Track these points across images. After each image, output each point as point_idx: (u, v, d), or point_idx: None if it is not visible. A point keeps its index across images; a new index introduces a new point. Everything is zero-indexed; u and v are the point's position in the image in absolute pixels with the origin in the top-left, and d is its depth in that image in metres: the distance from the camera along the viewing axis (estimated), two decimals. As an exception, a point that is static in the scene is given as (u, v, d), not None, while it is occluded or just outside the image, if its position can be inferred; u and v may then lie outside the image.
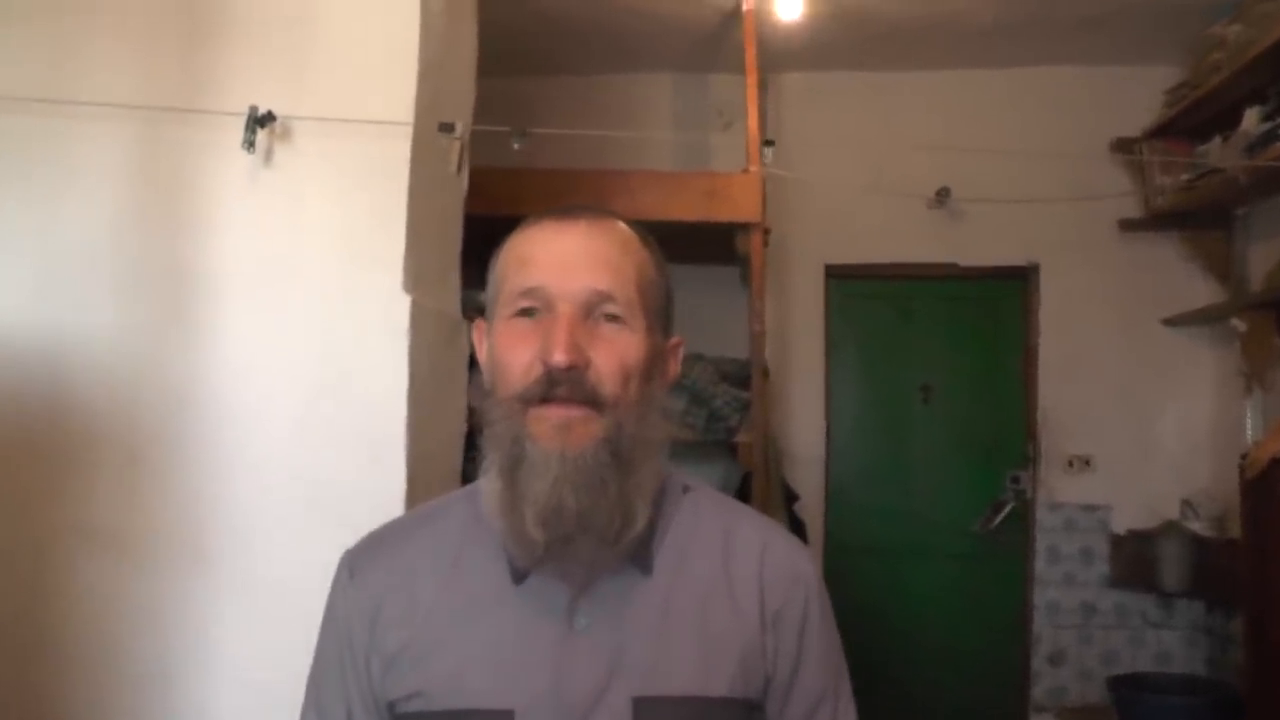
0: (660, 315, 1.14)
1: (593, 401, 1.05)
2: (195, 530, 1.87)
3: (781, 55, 4.12)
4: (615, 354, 1.06)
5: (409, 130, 1.90)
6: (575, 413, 1.04)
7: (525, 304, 1.07)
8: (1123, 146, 4.14)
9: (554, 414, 1.04)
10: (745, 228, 3.27)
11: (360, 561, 1.18)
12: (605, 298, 1.07)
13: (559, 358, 1.03)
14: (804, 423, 4.39)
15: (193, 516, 1.87)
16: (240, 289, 1.89)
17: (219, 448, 1.87)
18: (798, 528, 3.70)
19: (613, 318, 1.07)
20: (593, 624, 1.08)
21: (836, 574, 4.01)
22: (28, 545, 1.87)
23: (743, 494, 3.10)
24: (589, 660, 1.07)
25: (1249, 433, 3.72)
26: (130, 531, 1.87)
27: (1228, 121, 3.56)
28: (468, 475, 1.28)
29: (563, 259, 1.08)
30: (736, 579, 1.14)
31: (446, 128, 1.97)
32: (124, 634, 1.86)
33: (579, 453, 1.03)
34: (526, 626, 1.09)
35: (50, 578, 1.86)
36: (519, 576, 1.10)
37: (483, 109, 2.29)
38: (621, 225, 1.14)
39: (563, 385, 1.04)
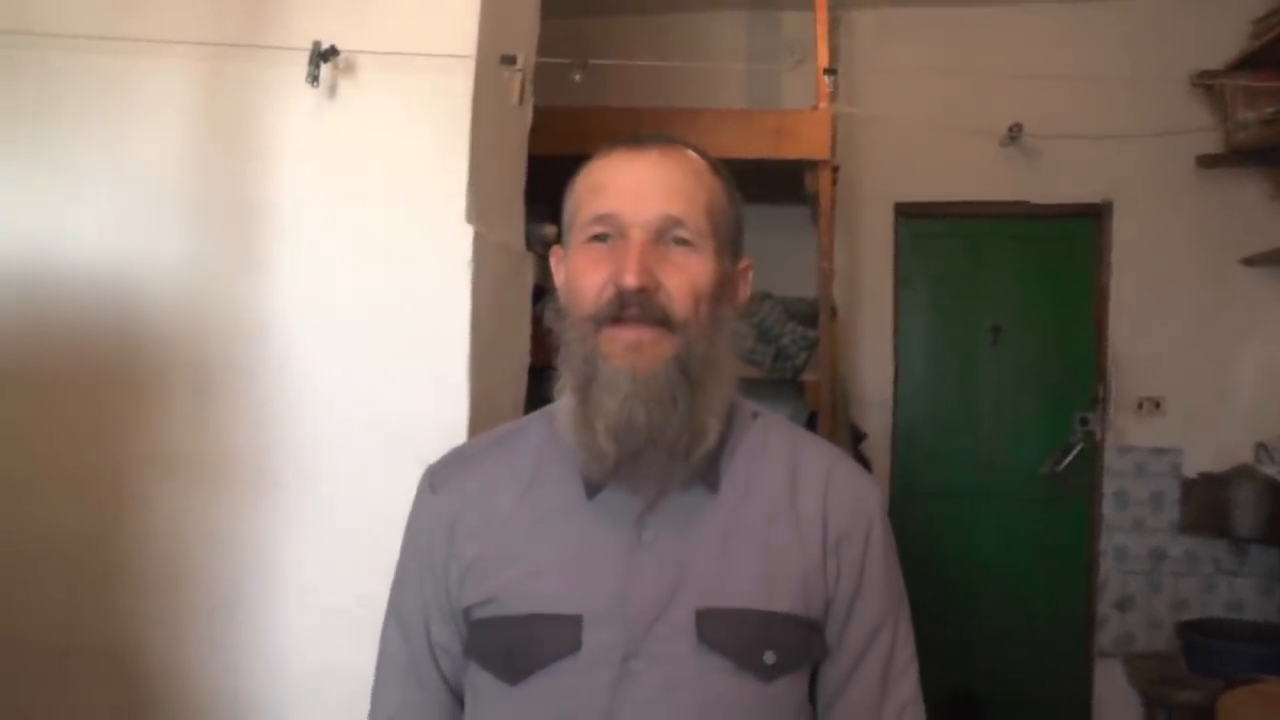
0: (730, 241, 1.18)
1: (664, 322, 1.09)
2: (265, 457, 1.91)
3: (854, -9, 4.04)
4: (686, 277, 1.11)
5: (471, 63, 1.90)
6: (646, 333, 1.09)
7: (598, 230, 1.12)
8: (1204, 79, 4.01)
9: (625, 334, 1.08)
10: (814, 165, 3.24)
11: (441, 476, 1.25)
12: (676, 222, 1.11)
13: (630, 280, 1.07)
14: (872, 363, 4.38)
15: (262, 444, 1.90)
16: (306, 221, 1.91)
17: (287, 377, 1.90)
18: (864, 467, 3.69)
19: (683, 242, 1.11)
20: (660, 537, 1.13)
21: (904, 517, 4.00)
22: (105, 472, 1.93)
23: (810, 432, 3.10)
24: (655, 571, 1.12)
25: (1330, 376, 3.62)
26: (202, 458, 1.91)
27: (1317, 53, 3.45)
28: (539, 402, 1.34)
29: (635, 186, 1.12)
30: (801, 501, 1.17)
31: (508, 60, 1.96)
32: (196, 557, 1.91)
33: (650, 371, 1.08)
34: (596, 537, 1.14)
35: (126, 503, 1.92)
36: (591, 491, 1.14)
37: (551, 48, 2.28)
38: (692, 154, 1.18)
39: (634, 306, 1.08)
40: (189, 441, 1.92)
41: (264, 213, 1.91)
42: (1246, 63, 3.86)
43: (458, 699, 1.22)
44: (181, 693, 1.90)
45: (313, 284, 1.90)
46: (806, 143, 3.21)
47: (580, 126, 2.86)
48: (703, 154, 1.19)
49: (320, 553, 1.89)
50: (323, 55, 1.84)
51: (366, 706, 1.28)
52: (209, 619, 1.90)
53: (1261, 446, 4.01)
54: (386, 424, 1.88)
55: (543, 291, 2.26)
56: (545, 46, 2.29)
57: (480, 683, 1.16)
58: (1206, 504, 4.10)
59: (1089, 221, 4.32)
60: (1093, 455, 4.28)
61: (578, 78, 2.12)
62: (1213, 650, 3.72)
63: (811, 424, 3.24)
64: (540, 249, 2.44)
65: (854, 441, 3.89)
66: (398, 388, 1.89)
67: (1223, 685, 3.46)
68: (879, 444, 4.28)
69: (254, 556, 1.91)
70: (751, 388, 1.26)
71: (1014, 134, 4.12)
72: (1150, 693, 3.86)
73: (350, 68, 1.89)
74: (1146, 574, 4.21)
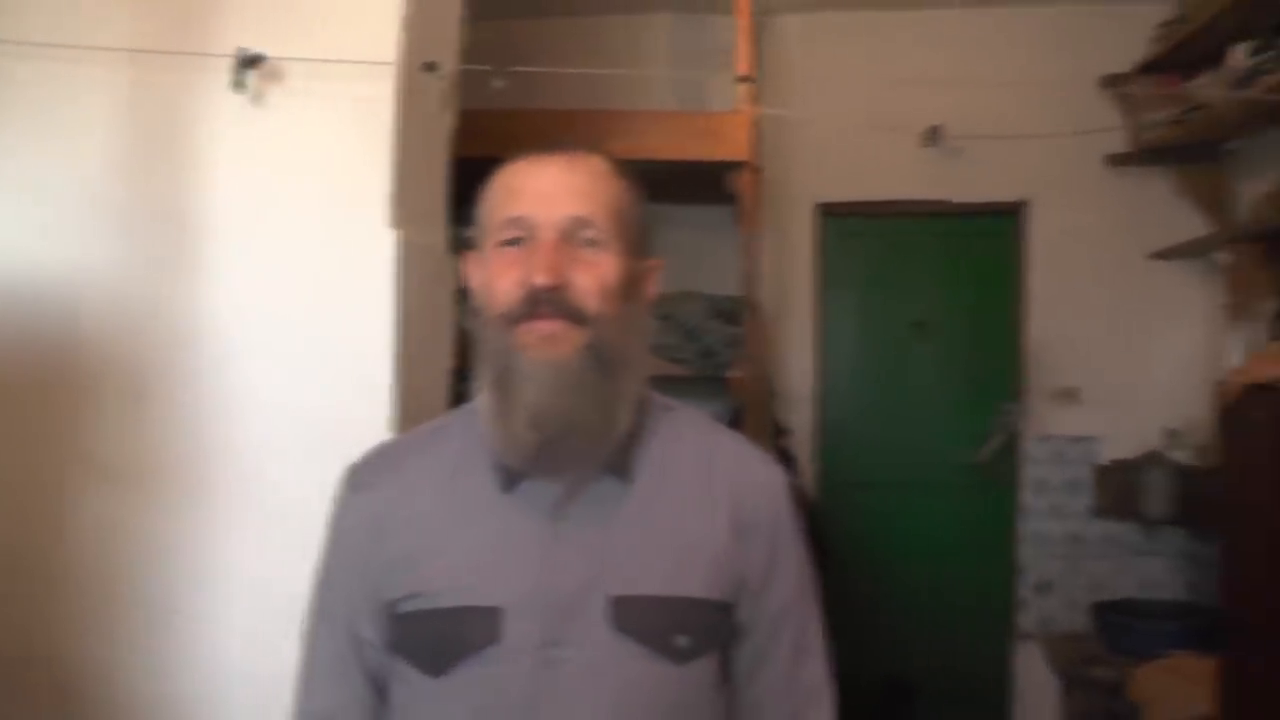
0: (636, 240, 1.23)
1: (575, 317, 1.14)
2: (201, 461, 1.94)
3: (777, -4, 4.10)
4: (594, 274, 1.16)
5: (394, 70, 1.95)
6: (559, 325, 1.14)
7: (511, 233, 1.17)
8: (1112, 82, 4.16)
9: (540, 326, 1.14)
10: (737, 166, 3.30)
11: (363, 474, 1.29)
12: (583, 223, 1.17)
13: (541, 279, 1.13)
14: (797, 360, 4.47)
15: (198, 448, 1.94)
16: (237, 227, 1.94)
17: (219, 382, 1.93)
18: (787, 462, 3.78)
19: (591, 242, 1.17)
20: (576, 527, 1.18)
21: (830, 508, 4.10)
22: (40, 480, 1.95)
23: (734, 429, 3.18)
24: (572, 562, 1.16)
25: (1234, 363, 3.76)
26: (139, 465, 1.94)
27: (1217, 56, 3.57)
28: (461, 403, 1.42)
29: (544, 190, 1.18)
30: (712, 490, 1.23)
31: (429, 67, 2.02)
32: (132, 564, 1.93)
33: (565, 359, 1.14)
34: (514, 531, 1.18)
35: (62, 511, 1.94)
36: (509, 484, 1.19)
37: (479, 52, 2.30)
38: (597, 159, 1.24)
39: (546, 304, 1.13)
40: (125, 448, 1.94)
41: (195, 218, 1.95)
42: (1151, 66, 4.01)
43: (383, 693, 1.25)
44: (121, 700, 1.92)
45: (245, 289, 1.94)
46: (729, 144, 3.27)
47: (512, 129, 2.90)
48: (607, 158, 1.25)
49: (258, 555, 1.92)
50: (248, 62, 1.88)
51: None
52: (147, 625, 1.93)
53: (1172, 432, 4.16)
54: (319, 426, 1.92)
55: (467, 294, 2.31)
56: (475, 49, 2.32)
57: (405, 676, 1.20)
58: (1120, 489, 4.23)
59: (1007, 219, 4.44)
60: (1014, 444, 4.41)
61: (498, 85, 2.17)
62: (1126, 629, 3.85)
63: (737, 419, 3.32)
64: (466, 250, 2.50)
65: (776, 436, 3.98)
66: (328, 390, 1.93)
67: (1136, 662, 3.61)
68: (804, 438, 4.37)
69: (192, 561, 1.93)
70: (678, 385, 1.32)
71: (934, 135, 4.22)
72: (1068, 672, 3.99)
73: (277, 74, 1.93)
74: (1064, 557, 4.35)
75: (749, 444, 1.34)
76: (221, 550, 1.94)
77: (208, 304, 1.94)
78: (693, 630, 1.17)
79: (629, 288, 1.20)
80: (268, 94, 1.93)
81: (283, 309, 1.94)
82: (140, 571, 1.94)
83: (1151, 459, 4.13)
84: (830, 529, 3.85)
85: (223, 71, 1.89)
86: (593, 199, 1.18)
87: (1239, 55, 3.41)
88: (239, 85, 1.87)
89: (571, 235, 1.16)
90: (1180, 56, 3.84)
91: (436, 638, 1.17)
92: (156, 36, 1.94)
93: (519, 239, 1.17)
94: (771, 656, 1.24)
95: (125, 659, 1.93)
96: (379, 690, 1.25)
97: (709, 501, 1.22)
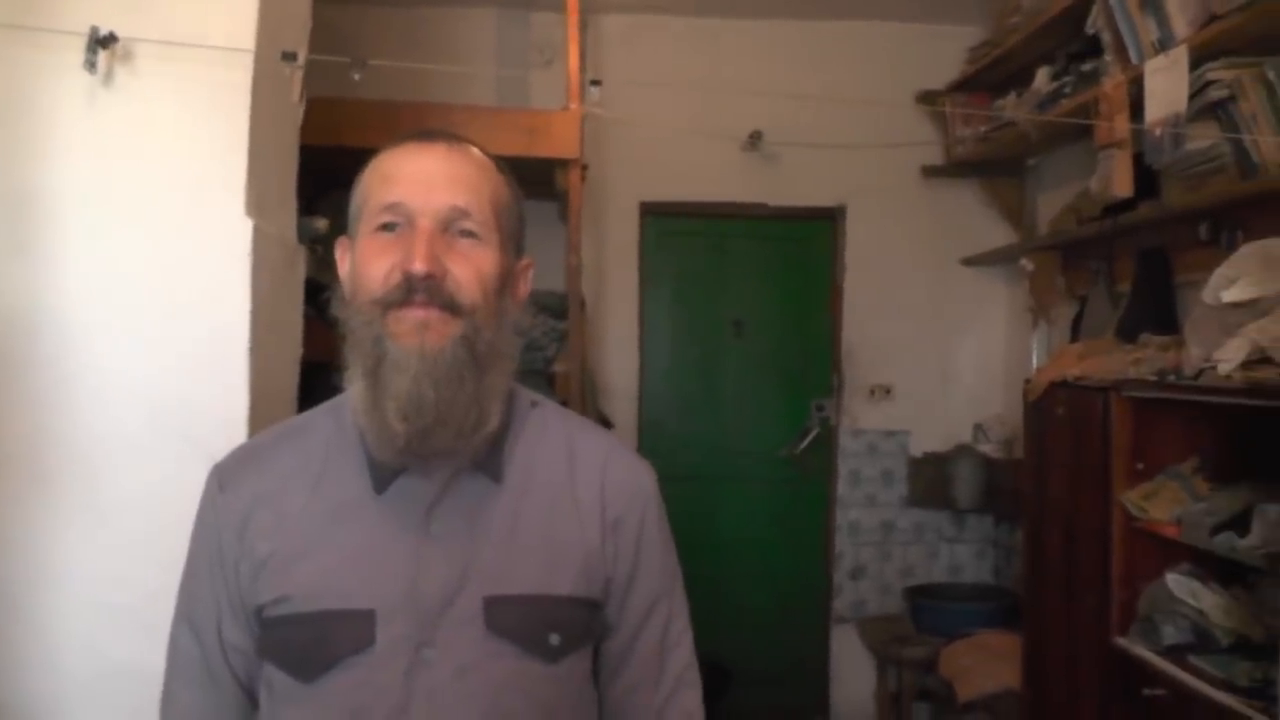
0: (513, 237, 1.22)
1: (450, 306, 1.11)
2: (39, 453, 1.85)
3: (602, -4, 4.13)
4: (471, 265, 1.13)
5: (251, 57, 1.91)
6: (434, 314, 1.11)
7: (387, 218, 1.14)
8: (927, 98, 4.39)
9: (413, 315, 1.10)
10: (564, 164, 3.30)
11: (230, 474, 1.24)
12: (462, 214, 1.14)
13: (418, 266, 1.09)
14: (618, 355, 4.54)
15: (36, 439, 1.85)
16: (81, 211, 1.86)
17: (61, 370, 1.85)
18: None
19: (469, 234, 1.15)
20: (447, 529, 1.16)
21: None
22: None
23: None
24: (444, 563, 1.15)
25: (1035, 362, 4.05)
26: (-35, 456, 1.84)
27: (1023, 79, 3.84)
28: (315, 396, 1.37)
29: (423, 177, 1.15)
30: (580, 488, 1.23)
31: (289, 56, 1.98)
32: (-41, 560, 1.83)
33: (437, 350, 1.10)
34: (386, 533, 1.16)
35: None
36: (381, 485, 1.17)
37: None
38: (477, 151, 1.21)
39: (421, 292, 1.10)
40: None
41: (37, 202, 1.85)
42: (963, 85, 4.28)
43: (251, 698, 1.22)
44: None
45: (89, 275, 1.86)
46: (557, 141, 3.25)
47: (338, 119, 2.83)
48: (485, 152, 1.23)
49: (100, 550, 1.85)
50: (100, 41, 1.80)
51: (155, 707, 1.26)
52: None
53: (978, 427, 4.45)
54: (166, 417, 1.86)
55: (315, 285, 2.27)
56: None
57: (275, 681, 1.16)
58: (931, 479, 4.51)
59: (824, 223, 4.63)
60: (829, 438, 4.61)
61: (357, 77, 2.14)
62: (935, 610, 4.12)
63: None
64: (308, 243, 2.45)
65: (601, 430, 4.02)
66: (177, 380, 1.88)
67: (945, 641, 3.86)
68: (625, 432, 4.43)
69: (29, 557, 1.84)
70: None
71: (754, 140, 4.34)
72: (881, 652, 4.23)
73: (128, 55, 1.86)
74: (878, 545, 4.59)
75: (615, 440, 1.34)
76: (64, 546, 1.85)
77: (49, 290, 1.85)
78: (564, 628, 1.17)
79: (504, 283, 1.19)
80: (119, 75, 1.86)
81: (132, 296, 1.87)
82: (-33, 568, 1.84)
83: (960, 452, 4.40)
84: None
85: (71, 50, 1.80)
86: (472, 189, 1.16)
87: (1043, 78, 3.67)
88: (90, 65, 1.79)
89: (449, 225, 1.14)
90: (989, 77, 4.11)
91: (307, 643, 1.14)
92: (1, 11, 1.84)
93: (394, 225, 1.14)
94: (638, 649, 1.25)
95: (-39, 659, 1.83)
96: (247, 694, 1.22)
97: (577, 499, 1.22)
